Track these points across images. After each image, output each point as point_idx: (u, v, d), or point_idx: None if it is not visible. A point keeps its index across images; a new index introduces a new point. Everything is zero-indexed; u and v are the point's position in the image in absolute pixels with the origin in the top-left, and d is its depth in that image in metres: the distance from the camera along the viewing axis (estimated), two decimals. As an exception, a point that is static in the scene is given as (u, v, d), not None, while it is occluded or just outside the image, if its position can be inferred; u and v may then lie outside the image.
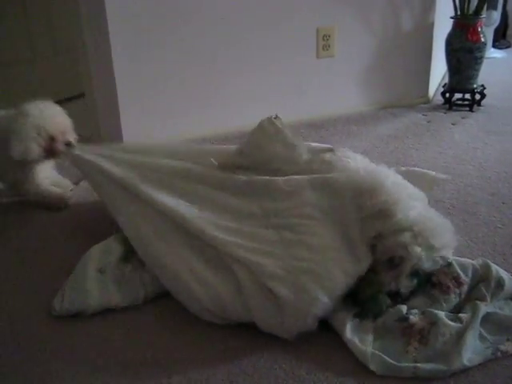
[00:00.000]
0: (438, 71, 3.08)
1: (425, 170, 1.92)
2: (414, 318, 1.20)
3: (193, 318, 1.28)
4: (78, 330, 1.28)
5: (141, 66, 2.29)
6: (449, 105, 2.78)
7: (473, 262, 1.35)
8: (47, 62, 2.98)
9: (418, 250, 1.22)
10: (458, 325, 1.17)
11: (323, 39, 2.60)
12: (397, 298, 1.26)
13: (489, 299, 1.24)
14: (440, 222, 1.31)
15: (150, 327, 1.28)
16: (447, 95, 2.79)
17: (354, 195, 1.34)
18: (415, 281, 1.26)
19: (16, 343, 1.24)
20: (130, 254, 1.45)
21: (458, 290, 1.27)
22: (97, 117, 2.40)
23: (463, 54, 2.65)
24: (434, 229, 1.26)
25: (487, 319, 1.20)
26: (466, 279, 1.29)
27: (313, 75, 2.64)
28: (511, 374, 1.10)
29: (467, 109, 2.75)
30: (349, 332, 1.18)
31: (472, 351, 1.12)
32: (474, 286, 1.29)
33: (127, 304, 1.35)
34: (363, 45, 2.69)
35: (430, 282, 1.29)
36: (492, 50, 3.96)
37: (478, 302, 1.22)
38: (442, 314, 1.20)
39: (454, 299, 1.26)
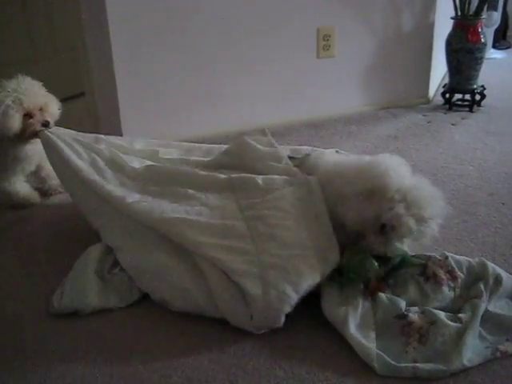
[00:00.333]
0: (438, 72, 3.08)
1: None
2: (413, 316, 1.20)
3: (193, 317, 1.28)
4: (78, 328, 1.28)
5: (141, 65, 2.30)
6: (449, 105, 2.78)
7: (469, 259, 1.35)
8: (48, 62, 2.98)
9: (411, 222, 1.26)
10: (458, 325, 1.17)
11: (323, 39, 2.60)
12: (384, 260, 1.29)
13: (487, 296, 1.24)
14: (430, 190, 1.34)
15: (149, 326, 1.28)
16: (447, 96, 2.79)
17: (341, 183, 1.37)
18: (400, 252, 1.30)
19: (15, 341, 1.24)
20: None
21: (451, 284, 1.28)
22: (97, 116, 2.40)
23: (463, 54, 2.65)
24: (425, 199, 1.29)
25: (487, 319, 1.20)
26: (460, 274, 1.30)
27: (313, 75, 2.65)
28: (511, 374, 1.10)
29: (467, 109, 2.75)
30: (352, 327, 1.17)
31: (472, 351, 1.12)
32: (471, 285, 1.29)
33: (125, 305, 1.35)
34: (363, 45, 2.69)
35: (425, 275, 1.30)
36: (492, 50, 3.96)
37: (477, 301, 1.22)
38: (441, 313, 1.20)
39: (447, 292, 1.27)
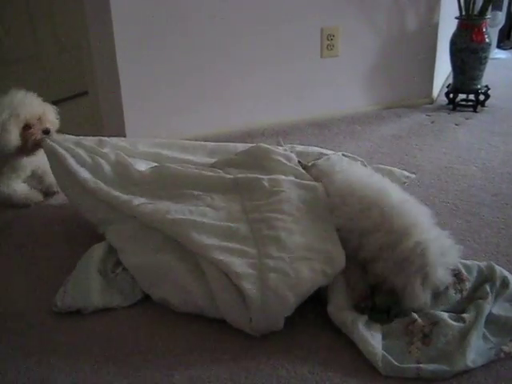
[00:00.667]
0: (442, 72, 3.07)
1: (392, 168, 1.98)
2: (416, 314, 1.20)
3: (195, 317, 1.28)
4: (80, 327, 1.28)
5: (145, 64, 2.30)
6: (453, 105, 2.77)
7: (478, 263, 1.35)
8: (51, 61, 2.99)
9: (423, 299, 1.21)
10: (461, 325, 1.17)
11: (327, 39, 2.59)
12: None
13: (493, 298, 1.24)
14: (448, 245, 1.28)
15: (151, 325, 1.28)
16: (451, 96, 2.78)
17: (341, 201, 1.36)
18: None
19: (18, 340, 1.25)
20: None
21: (458, 286, 1.28)
22: (100, 115, 2.40)
23: (468, 54, 2.64)
24: (442, 265, 1.23)
25: (491, 320, 1.20)
26: (468, 276, 1.30)
27: (317, 75, 2.64)
28: (514, 375, 1.10)
29: (471, 109, 2.74)
30: (361, 327, 1.17)
31: (475, 352, 1.12)
32: (478, 286, 1.29)
33: (128, 304, 1.35)
34: (367, 45, 2.68)
35: None
36: (496, 50, 3.95)
37: (482, 302, 1.22)
38: (444, 314, 1.20)
39: (454, 295, 1.26)
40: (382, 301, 1.24)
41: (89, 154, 1.66)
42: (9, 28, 2.80)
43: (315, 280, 1.23)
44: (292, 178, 1.53)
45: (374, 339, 1.15)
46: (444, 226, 1.35)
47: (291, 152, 1.74)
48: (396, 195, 1.38)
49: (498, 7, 3.68)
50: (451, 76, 2.82)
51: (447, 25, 2.79)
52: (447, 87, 2.83)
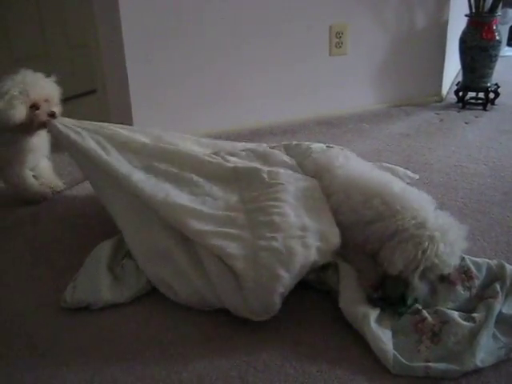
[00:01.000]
0: (452, 69, 3.06)
1: (395, 166, 1.95)
2: (427, 313, 1.19)
3: (204, 314, 1.28)
4: (88, 324, 1.28)
5: (153, 62, 2.30)
6: (462, 103, 2.76)
7: (487, 260, 1.34)
8: (60, 58, 3.01)
9: (424, 291, 1.23)
10: (471, 324, 1.16)
11: (336, 36, 2.59)
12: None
13: (503, 297, 1.23)
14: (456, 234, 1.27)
15: (159, 321, 1.28)
16: (460, 94, 2.76)
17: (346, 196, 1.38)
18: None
19: (26, 336, 1.25)
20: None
21: (467, 284, 1.27)
22: (109, 113, 2.41)
23: (477, 52, 2.62)
24: (444, 242, 1.23)
25: (501, 320, 1.19)
26: (477, 274, 1.29)
27: (325, 73, 2.64)
28: (524, 375, 1.09)
29: (481, 108, 2.72)
30: (372, 323, 1.16)
31: (485, 351, 1.11)
32: (488, 285, 1.28)
33: (136, 296, 1.36)
34: (376, 42, 2.67)
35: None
36: (506, 48, 3.92)
37: (492, 301, 1.21)
38: (454, 313, 1.19)
39: (462, 292, 1.26)
40: (394, 289, 1.23)
41: (90, 135, 1.66)
42: (19, 27, 2.82)
43: (308, 255, 1.23)
44: (290, 172, 1.54)
45: (384, 336, 1.15)
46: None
47: (295, 148, 1.77)
48: (397, 185, 1.39)
49: (509, 4, 3.65)
50: (460, 74, 2.80)
51: (457, 22, 2.78)
52: (456, 85, 2.81)
